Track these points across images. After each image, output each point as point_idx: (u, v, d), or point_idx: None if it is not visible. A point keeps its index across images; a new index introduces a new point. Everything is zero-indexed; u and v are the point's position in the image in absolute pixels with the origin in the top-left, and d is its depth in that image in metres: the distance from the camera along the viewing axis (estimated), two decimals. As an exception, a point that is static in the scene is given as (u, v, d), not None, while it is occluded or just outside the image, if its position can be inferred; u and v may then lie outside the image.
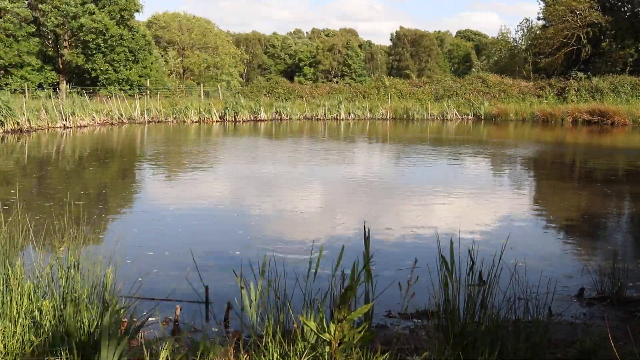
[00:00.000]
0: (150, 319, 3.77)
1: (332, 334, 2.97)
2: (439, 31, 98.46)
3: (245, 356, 3.30)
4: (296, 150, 18.46)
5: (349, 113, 36.08)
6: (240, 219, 8.13)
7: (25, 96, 29.78)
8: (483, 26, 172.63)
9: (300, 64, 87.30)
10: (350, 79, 74.93)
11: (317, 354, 3.07)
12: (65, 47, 43.64)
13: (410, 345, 3.53)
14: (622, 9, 46.07)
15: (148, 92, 38.29)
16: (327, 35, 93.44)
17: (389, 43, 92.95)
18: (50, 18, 40.93)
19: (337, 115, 35.78)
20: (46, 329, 3.22)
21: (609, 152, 18.86)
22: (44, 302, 3.33)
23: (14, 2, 39.51)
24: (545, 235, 7.41)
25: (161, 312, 4.40)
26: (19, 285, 3.37)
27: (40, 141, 20.04)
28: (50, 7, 40.63)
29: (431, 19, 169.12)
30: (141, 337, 3.53)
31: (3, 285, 3.38)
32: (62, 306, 3.29)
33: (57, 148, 18.15)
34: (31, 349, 3.15)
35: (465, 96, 38.37)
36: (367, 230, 4.09)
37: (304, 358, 3.08)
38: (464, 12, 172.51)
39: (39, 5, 41.40)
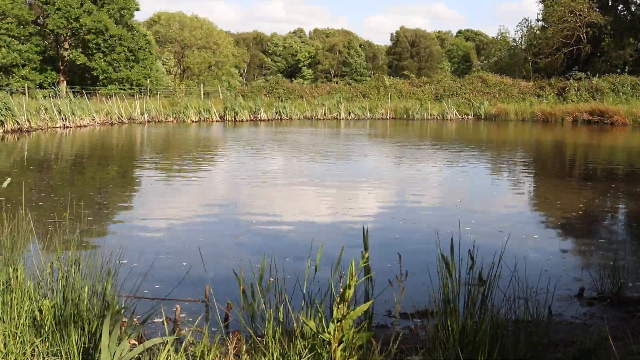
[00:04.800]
0: (150, 319, 3.77)
1: (332, 333, 2.97)
2: (439, 31, 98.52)
3: (245, 356, 3.30)
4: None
5: (349, 113, 36.10)
6: (240, 219, 8.13)
7: (25, 96, 29.80)
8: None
9: (300, 65, 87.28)
10: (350, 78, 74.93)
11: (317, 354, 3.07)
12: (66, 48, 43.60)
13: (410, 345, 3.53)
14: (622, 9, 46.10)
15: (148, 91, 38.29)
16: (327, 36, 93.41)
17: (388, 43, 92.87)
18: (51, 18, 40.89)
19: (337, 115, 35.80)
20: (46, 329, 3.22)
21: (609, 151, 18.85)
22: (45, 302, 3.33)
23: (15, 3, 39.50)
24: (544, 235, 7.40)
25: (161, 312, 4.40)
26: (19, 285, 3.36)
27: (39, 141, 20.04)
28: (51, 7, 40.59)
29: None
30: (141, 337, 3.53)
31: (3, 285, 3.38)
32: (62, 306, 3.29)
33: (57, 148, 18.14)
34: (31, 349, 3.15)
35: (465, 96, 38.40)
36: (365, 229, 4.08)
37: (304, 358, 3.08)
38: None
39: (40, 5, 41.36)
